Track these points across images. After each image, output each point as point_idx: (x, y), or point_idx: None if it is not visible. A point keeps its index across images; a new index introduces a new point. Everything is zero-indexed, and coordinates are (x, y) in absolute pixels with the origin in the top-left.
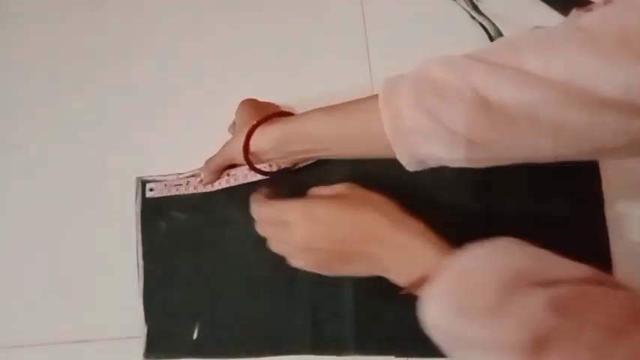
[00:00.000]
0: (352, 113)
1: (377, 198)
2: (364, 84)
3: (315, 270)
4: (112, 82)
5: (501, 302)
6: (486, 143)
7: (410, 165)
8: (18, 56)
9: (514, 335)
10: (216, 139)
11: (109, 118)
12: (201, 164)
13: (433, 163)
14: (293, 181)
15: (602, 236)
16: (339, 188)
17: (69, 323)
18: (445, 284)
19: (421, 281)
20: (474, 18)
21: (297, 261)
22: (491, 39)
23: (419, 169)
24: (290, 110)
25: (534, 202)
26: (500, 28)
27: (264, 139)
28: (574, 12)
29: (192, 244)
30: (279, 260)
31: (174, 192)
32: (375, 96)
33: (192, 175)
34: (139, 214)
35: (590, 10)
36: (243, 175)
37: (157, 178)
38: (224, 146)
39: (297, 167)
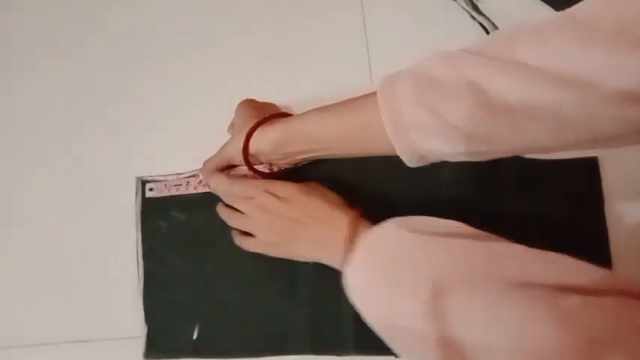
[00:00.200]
0: (351, 111)
1: (331, 193)
2: (364, 84)
3: (262, 248)
4: (112, 82)
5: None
6: (486, 136)
7: (411, 161)
8: (18, 56)
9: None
10: (215, 140)
11: (109, 118)
12: (201, 164)
13: (434, 159)
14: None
15: (602, 236)
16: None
17: (69, 323)
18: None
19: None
20: (473, 18)
21: (249, 241)
22: None
23: (420, 165)
24: (289, 110)
25: (534, 202)
26: (500, 28)
27: (264, 141)
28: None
29: (192, 244)
30: (279, 260)
31: (174, 192)
32: (374, 94)
33: (192, 175)
34: (139, 214)
35: None
36: (242, 176)
37: (157, 178)
38: (223, 147)
39: (297, 167)
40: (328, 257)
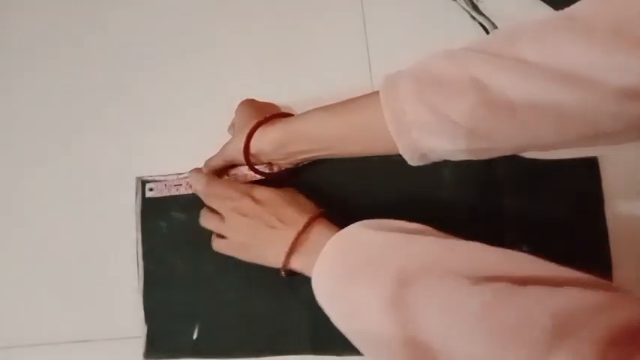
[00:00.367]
0: (353, 111)
1: (303, 199)
2: (364, 84)
3: (233, 251)
4: (112, 82)
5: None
6: (487, 133)
7: (412, 160)
8: (18, 56)
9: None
10: (215, 140)
11: (109, 118)
12: (201, 164)
13: (435, 157)
14: (293, 182)
15: (602, 236)
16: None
17: (69, 323)
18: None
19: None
20: (473, 18)
21: (220, 243)
22: None
23: (421, 163)
24: (289, 110)
25: (534, 202)
26: (500, 27)
27: (265, 140)
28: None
29: (192, 244)
30: None
31: (174, 192)
32: (375, 93)
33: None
34: (139, 214)
35: None
36: (243, 176)
37: (157, 178)
38: (224, 147)
39: (297, 167)
40: (296, 263)
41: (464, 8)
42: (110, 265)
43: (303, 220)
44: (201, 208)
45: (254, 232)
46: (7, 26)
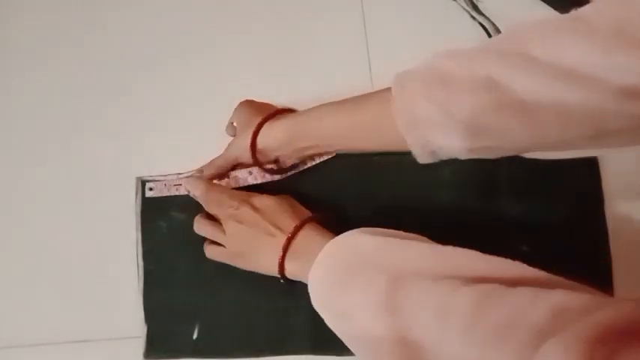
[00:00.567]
0: (363, 106)
1: (300, 207)
2: (364, 84)
3: (228, 258)
4: (112, 82)
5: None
6: (494, 130)
7: (422, 156)
8: (18, 56)
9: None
10: (215, 140)
11: (109, 118)
12: (201, 164)
13: (444, 155)
14: (293, 187)
15: (602, 236)
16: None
17: (69, 323)
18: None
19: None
20: (474, 18)
21: (215, 250)
22: None
23: (430, 161)
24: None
25: (534, 202)
26: (500, 28)
27: (272, 136)
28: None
29: (192, 244)
30: None
31: (173, 192)
32: (386, 89)
33: (192, 176)
34: (139, 214)
35: None
36: (243, 179)
37: (157, 178)
38: (228, 147)
39: (302, 168)
40: (290, 269)
41: (464, 8)
42: (110, 265)
43: (294, 225)
44: (201, 208)
45: (252, 240)
46: (7, 26)
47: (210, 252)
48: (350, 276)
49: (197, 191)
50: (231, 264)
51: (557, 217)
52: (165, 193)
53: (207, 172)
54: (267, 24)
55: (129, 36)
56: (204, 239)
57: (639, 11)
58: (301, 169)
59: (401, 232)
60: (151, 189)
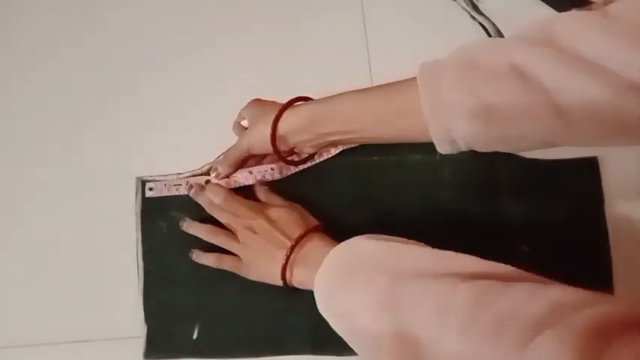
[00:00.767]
0: (389, 94)
1: (310, 217)
2: (364, 84)
3: (238, 267)
4: (112, 82)
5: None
6: (519, 118)
7: (442, 144)
8: (18, 56)
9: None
10: (215, 140)
11: (109, 118)
12: (201, 164)
13: (464, 145)
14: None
15: (602, 236)
16: (286, 203)
17: (69, 323)
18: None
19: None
20: (474, 18)
21: (226, 260)
22: None
23: (449, 151)
24: None
25: (534, 202)
26: (500, 28)
27: (294, 119)
28: (573, 12)
29: (192, 244)
30: None
31: (173, 192)
32: (412, 79)
33: (193, 175)
34: (139, 214)
35: (590, 9)
36: (244, 178)
37: (157, 178)
38: (242, 137)
39: (310, 164)
40: (292, 276)
41: (464, 8)
42: (110, 265)
43: (299, 234)
44: (201, 208)
45: (264, 250)
46: (7, 26)
47: (220, 261)
48: (351, 276)
49: (217, 199)
50: (239, 274)
51: (557, 217)
52: (165, 193)
53: (226, 170)
54: (267, 24)
55: (129, 36)
56: (203, 240)
57: None
58: (310, 164)
59: (403, 239)
60: (150, 189)
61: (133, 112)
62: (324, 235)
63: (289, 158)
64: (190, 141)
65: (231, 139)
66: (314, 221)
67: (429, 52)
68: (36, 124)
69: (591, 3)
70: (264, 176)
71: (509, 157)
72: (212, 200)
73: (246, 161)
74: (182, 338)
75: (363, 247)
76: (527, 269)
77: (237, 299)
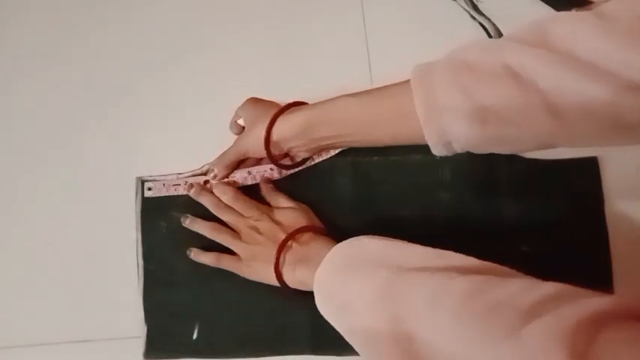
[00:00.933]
0: (382, 97)
1: (317, 220)
2: (364, 84)
3: (238, 267)
4: (112, 82)
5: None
6: (514, 118)
7: (437, 146)
8: (18, 56)
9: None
10: (215, 140)
11: (109, 118)
12: (201, 164)
13: (459, 147)
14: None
15: (602, 236)
16: (293, 203)
17: (69, 323)
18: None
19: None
20: (474, 18)
21: (226, 260)
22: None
23: (445, 153)
24: None
25: (534, 202)
26: (500, 28)
27: (288, 125)
28: (574, 12)
29: (192, 244)
30: None
31: (172, 192)
32: (406, 81)
33: (192, 175)
34: (139, 214)
35: (590, 9)
36: (242, 179)
37: (156, 178)
38: (239, 140)
39: (307, 165)
40: (300, 278)
41: (464, 8)
42: (110, 265)
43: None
44: (201, 208)
45: (267, 251)
46: (7, 26)
47: (219, 260)
48: (351, 270)
49: (225, 196)
50: (239, 274)
51: (557, 217)
52: (164, 193)
53: (222, 172)
54: (267, 24)
55: (129, 36)
56: (204, 239)
57: None
58: (307, 165)
59: (404, 240)
60: (149, 189)
61: (133, 112)
62: (327, 236)
63: (283, 162)
64: (190, 141)
65: (231, 138)
66: (320, 224)
67: (429, 52)
68: (36, 124)
69: (591, 3)
70: (263, 176)
71: (509, 157)
72: (219, 198)
73: (242, 163)
74: (182, 338)
75: (363, 245)
76: (527, 269)
77: (237, 299)
